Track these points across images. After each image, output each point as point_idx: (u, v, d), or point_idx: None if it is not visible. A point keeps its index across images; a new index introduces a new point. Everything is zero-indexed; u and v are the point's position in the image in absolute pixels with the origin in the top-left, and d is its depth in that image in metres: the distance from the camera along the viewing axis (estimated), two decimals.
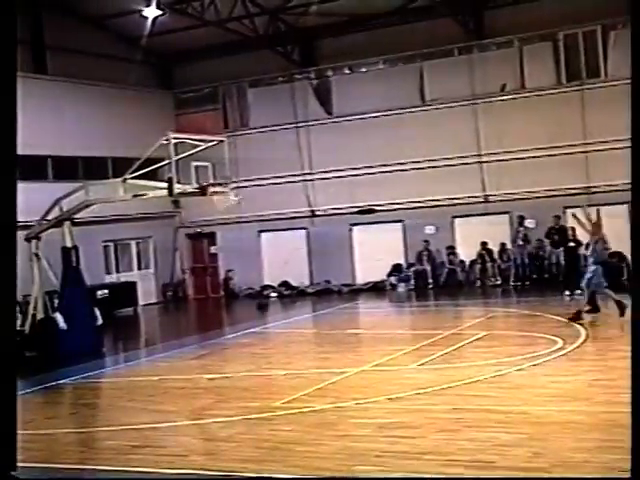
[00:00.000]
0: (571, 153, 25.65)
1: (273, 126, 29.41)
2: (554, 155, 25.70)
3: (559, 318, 17.89)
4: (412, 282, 27.18)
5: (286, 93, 29.53)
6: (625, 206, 24.31)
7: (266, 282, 29.57)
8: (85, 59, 27.59)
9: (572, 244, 23.23)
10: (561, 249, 23.96)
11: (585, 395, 10.73)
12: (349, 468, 8.26)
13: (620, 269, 24.63)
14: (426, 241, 27.29)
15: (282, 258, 29.25)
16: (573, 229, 23.42)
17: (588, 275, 17.64)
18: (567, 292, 22.12)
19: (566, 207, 25.38)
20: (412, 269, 27.37)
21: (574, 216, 20.52)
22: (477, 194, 26.82)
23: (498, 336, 16.33)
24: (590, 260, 17.87)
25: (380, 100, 27.75)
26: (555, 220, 24.61)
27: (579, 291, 22.06)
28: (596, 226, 18.30)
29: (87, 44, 27.51)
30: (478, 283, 26.64)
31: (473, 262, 27.03)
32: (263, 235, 30.03)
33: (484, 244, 26.69)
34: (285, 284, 29.16)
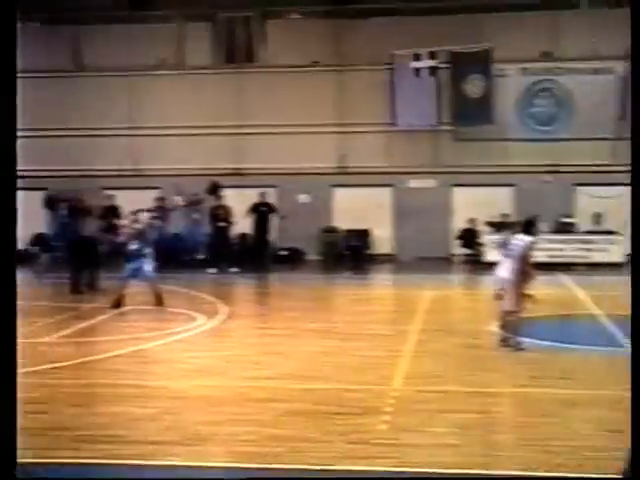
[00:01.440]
0: (226, 134, 26.27)
1: None
2: (209, 134, 26.15)
3: (203, 295, 18.28)
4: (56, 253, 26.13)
5: None
6: (273, 189, 25.52)
7: None
8: None
9: (222, 224, 23.86)
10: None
11: (220, 370, 11.04)
12: None
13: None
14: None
15: None
16: (224, 208, 24.07)
17: (137, 266, 16.40)
18: (212, 270, 22.72)
19: (219, 187, 25.94)
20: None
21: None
22: (127, 167, 26.55)
23: (141, 311, 16.27)
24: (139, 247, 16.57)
25: (35, 60, 26.34)
26: (216, 199, 24.83)
27: (235, 269, 22.76)
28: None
29: None
30: None
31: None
32: None
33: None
34: None
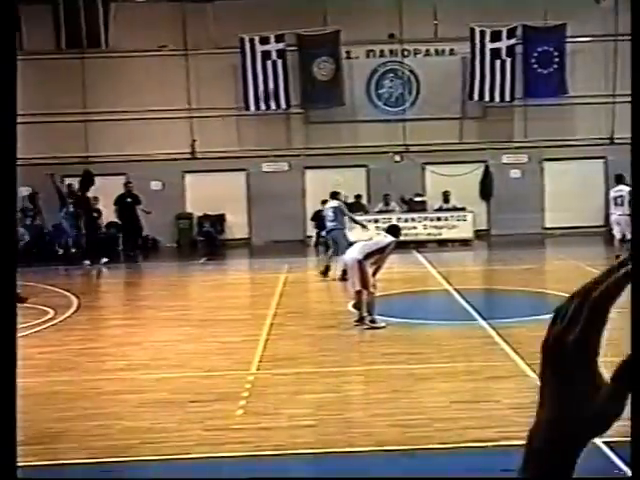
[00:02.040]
0: (70, 121, 25.55)
1: None
2: (52, 122, 25.36)
3: (53, 288, 17.77)
4: None
5: None
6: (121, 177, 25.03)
7: None
8: None
9: (95, 214, 23.18)
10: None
11: (72, 364, 10.77)
12: None
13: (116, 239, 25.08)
14: None
15: None
16: (95, 198, 23.22)
17: None
18: (87, 262, 22.04)
19: (64, 176, 25.21)
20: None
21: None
22: None
23: None
24: None
25: None
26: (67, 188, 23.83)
27: (105, 259, 22.09)
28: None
29: None
30: None
31: None
32: None
33: None
34: None
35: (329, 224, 19.07)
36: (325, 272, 18.01)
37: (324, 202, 24.83)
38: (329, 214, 19.12)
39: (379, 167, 25.79)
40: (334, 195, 19.72)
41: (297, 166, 26.08)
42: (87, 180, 23.17)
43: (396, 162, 26.01)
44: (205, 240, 25.79)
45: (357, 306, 12.62)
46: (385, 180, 25.35)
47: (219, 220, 26.22)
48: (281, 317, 13.56)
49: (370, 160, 25.93)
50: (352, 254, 12.54)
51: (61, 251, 23.27)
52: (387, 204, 24.89)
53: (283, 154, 26.01)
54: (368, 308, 12.38)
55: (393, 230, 13.11)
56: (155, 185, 25.91)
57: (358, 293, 12.45)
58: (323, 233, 24.60)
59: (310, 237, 25.62)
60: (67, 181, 23.86)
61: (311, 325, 12.81)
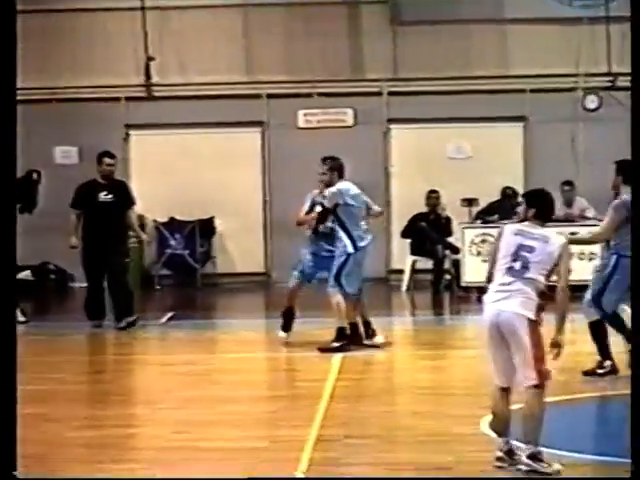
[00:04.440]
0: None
1: None
2: None
3: None
4: None
5: None
6: None
7: None
8: None
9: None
10: None
11: None
12: None
13: None
14: None
15: None
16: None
17: None
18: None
19: None
20: None
21: None
22: None
23: None
24: None
25: None
26: None
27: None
28: None
29: None
30: None
31: None
32: None
33: None
34: None
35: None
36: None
37: (431, 195, 24.32)
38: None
39: (551, 119, 25.68)
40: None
41: (374, 117, 26.19)
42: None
43: (589, 111, 25.49)
44: (172, 275, 25.78)
45: (497, 428, 11.88)
46: (566, 146, 24.87)
47: (204, 232, 26.37)
48: (333, 445, 13.04)
49: (533, 104, 26.18)
50: (511, 305, 11.52)
51: None
52: (569, 204, 25.14)
53: (342, 91, 26.12)
54: (530, 426, 11.52)
55: None
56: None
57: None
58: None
59: (399, 272, 25.76)
60: None
61: (398, 460, 12.31)
